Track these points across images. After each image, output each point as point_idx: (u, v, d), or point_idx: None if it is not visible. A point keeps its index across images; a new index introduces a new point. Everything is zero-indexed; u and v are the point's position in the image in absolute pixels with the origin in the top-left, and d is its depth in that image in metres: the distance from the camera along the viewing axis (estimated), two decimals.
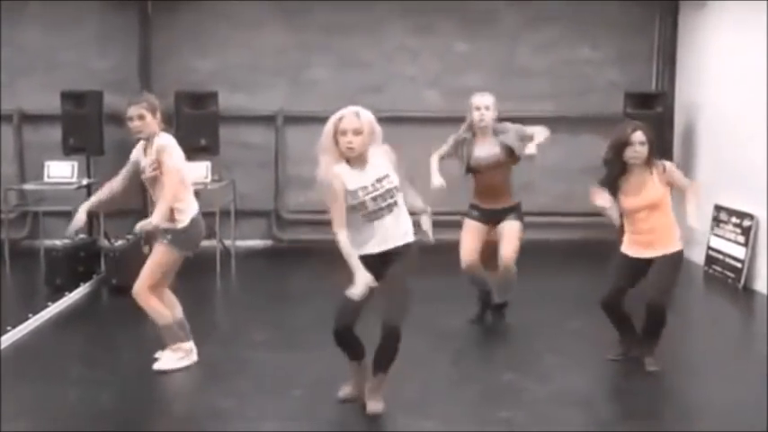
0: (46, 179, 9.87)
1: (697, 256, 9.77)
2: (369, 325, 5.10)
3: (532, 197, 10.99)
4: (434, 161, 6.96)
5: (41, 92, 10.70)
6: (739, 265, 8.78)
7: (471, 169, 6.99)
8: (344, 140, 4.95)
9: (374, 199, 5.00)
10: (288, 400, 5.51)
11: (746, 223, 8.78)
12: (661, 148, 10.15)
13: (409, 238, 5.15)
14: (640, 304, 5.96)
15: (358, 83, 10.82)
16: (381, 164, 5.08)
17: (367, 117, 5.05)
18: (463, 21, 11.09)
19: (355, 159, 5.01)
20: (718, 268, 9.19)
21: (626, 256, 6.07)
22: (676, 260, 6.03)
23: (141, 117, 5.87)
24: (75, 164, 9.92)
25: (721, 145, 9.56)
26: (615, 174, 5.90)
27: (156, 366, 6.03)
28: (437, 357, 6.39)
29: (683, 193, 6.04)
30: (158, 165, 5.90)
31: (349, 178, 5.00)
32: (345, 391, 5.39)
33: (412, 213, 5.25)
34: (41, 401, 5.54)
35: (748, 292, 8.58)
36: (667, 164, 6.03)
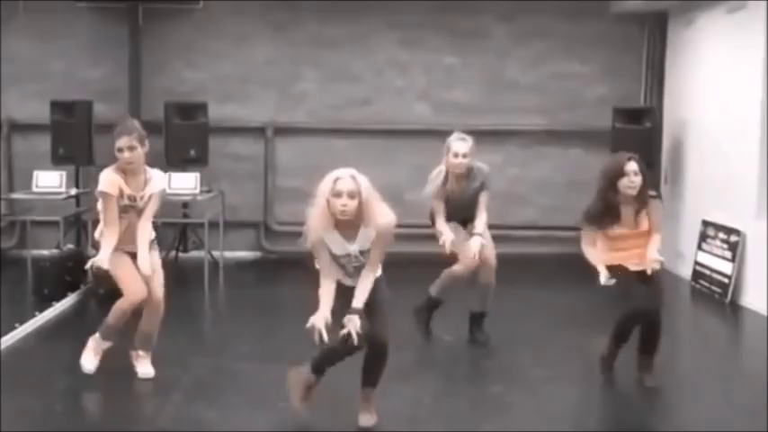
0: (34, 189, 9.82)
1: (684, 272, 9.82)
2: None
3: (521, 211, 11.09)
4: (441, 224, 6.92)
5: (31, 101, 10.70)
6: (726, 280, 8.81)
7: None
8: (339, 202, 4.86)
9: (355, 268, 5.08)
10: (275, 412, 5.49)
11: (733, 239, 8.81)
12: (649, 162, 10.27)
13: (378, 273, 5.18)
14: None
15: (347, 95, 10.85)
16: (368, 237, 5.01)
17: (363, 181, 4.92)
18: (452, 35, 11.14)
19: (346, 224, 4.96)
20: (706, 283, 9.22)
21: (624, 270, 5.95)
22: (661, 276, 6.04)
23: (132, 148, 5.83)
24: (64, 174, 9.89)
25: (709, 160, 9.60)
26: (609, 205, 5.86)
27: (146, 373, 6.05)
28: (425, 370, 6.39)
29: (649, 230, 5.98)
30: (149, 198, 5.97)
31: (334, 244, 5.02)
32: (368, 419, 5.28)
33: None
34: (27, 412, 5.51)
35: (735, 307, 8.61)
36: (656, 202, 6.00)
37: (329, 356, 5.16)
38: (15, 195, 10.25)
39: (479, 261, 6.81)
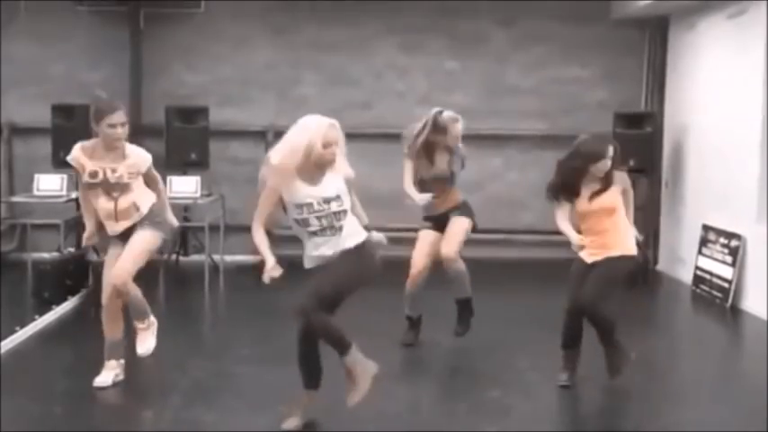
0: (35, 192, 9.83)
1: (685, 276, 9.82)
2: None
3: (520, 215, 11.08)
4: (409, 188, 6.92)
5: (32, 104, 10.71)
6: (727, 285, 8.81)
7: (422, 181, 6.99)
8: (328, 152, 4.87)
9: (318, 218, 4.96)
10: (273, 415, 5.49)
11: (734, 243, 8.81)
12: (650, 166, 10.28)
13: (358, 238, 5.05)
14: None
15: (347, 99, 10.86)
16: (336, 185, 4.97)
17: (341, 131, 4.97)
18: (452, 39, 11.15)
19: (310, 171, 4.92)
20: (706, 288, 9.22)
21: (580, 261, 6.05)
22: (619, 264, 5.96)
23: (125, 124, 5.81)
24: (65, 177, 9.89)
25: (709, 165, 9.60)
26: (574, 182, 5.94)
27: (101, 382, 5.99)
28: (422, 374, 6.39)
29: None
30: (135, 171, 5.85)
31: (296, 191, 4.94)
32: (292, 422, 5.24)
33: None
34: (27, 415, 5.51)
35: (736, 311, 8.60)
36: (622, 177, 6.03)
37: (305, 352, 5.17)
38: (16, 198, 10.25)
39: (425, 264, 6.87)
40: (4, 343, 6.87)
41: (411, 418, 5.51)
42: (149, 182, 6.00)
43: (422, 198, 6.78)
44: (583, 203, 5.97)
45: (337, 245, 5.01)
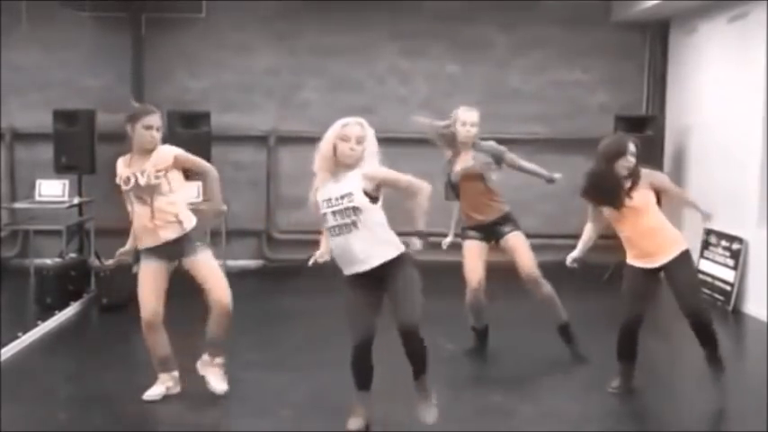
0: (37, 197, 9.85)
1: None
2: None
3: (522, 219, 11.04)
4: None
5: (34, 110, 10.74)
6: (728, 288, 8.81)
7: (453, 186, 6.94)
8: (347, 146, 4.97)
9: (333, 214, 4.99)
10: (276, 420, 5.50)
11: (736, 246, 8.82)
12: (651, 169, 10.27)
13: (393, 253, 5.08)
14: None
15: (349, 104, 10.84)
16: (352, 183, 5.01)
17: (370, 130, 5.06)
18: (454, 44, 11.17)
19: (337, 170, 5.02)
20: (708, 291, 9.21)
21: (637, 269, 5.89)
22: (690, 262, 5.93)
23: (159, 129, 5.74)
24: (67, 182, 9.91)
25: (711, 168, 9.61)
26: (613, 186, 5.77)
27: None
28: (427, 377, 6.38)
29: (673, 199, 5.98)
30: (165, 172, 5.70)
31: (323, 189, 5.05)
32: (357, 422, 5.24)
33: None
34: (30, 421, 5.51)
35: (737, 314, 8.61)
36: (647, 172, 5.94)
37: (352, 361, 5.11)
38: (18, 204, 10.26)
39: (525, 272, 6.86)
40: (6, 349, 6.88)
41: (414, 422, 5.50)
42: (191, 168, 5.88)
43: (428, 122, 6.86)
44: (615, 213, 5.84)
45: (361, 261, 5.02)
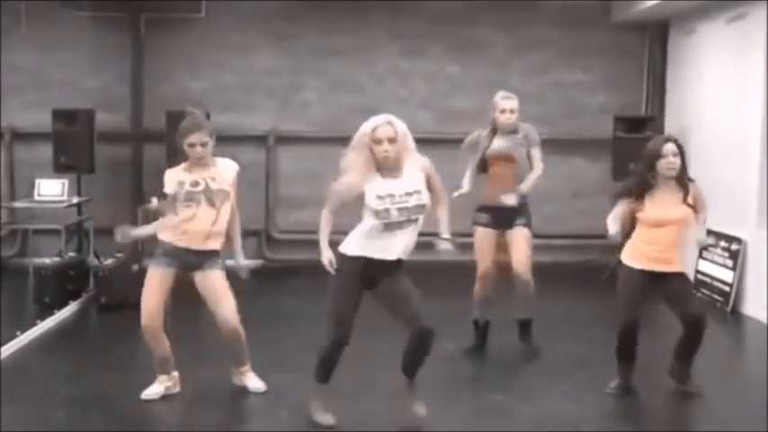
0: (36, 197, 9.85)
1: None
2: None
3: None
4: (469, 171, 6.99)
5: (33, 110, 10.73)
6: (727, 288, 8.82)
7: (484, 163, 6.97)
8: (380, 149, 4.99)
9: (399, 210, 5.03)
10: (274, 421, 5.50)
11: (734, 247, 8.82)
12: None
13: (405, 255, 5.15)
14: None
15: (349, 105, 10.87)
16: (415, 179, 5.09)
17: (400, 125, 5.07)
18: (454, 44, 11.17)
19: (388, 168, 5.05)
20: (707, 292, 9.22)
21: (640, 272, 5.88)
22: (690, 284, 6.10)
23: (204, 144, 5.76)
24: (66, 182, 9.91)
25: (710, 168, 9.59)
26: (643, 185, 5.80)
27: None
28: (424, 378, 6.37)
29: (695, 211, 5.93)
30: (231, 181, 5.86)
31: (378, 185, 5.04)
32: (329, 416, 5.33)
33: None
34: (29, 421, 5.51)
35: (736, 315, 8.61)
36: (695, 185, 5.95)
37: (327, 355, 5.18)
38: (17, 204, 10.25)
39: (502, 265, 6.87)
40: (4, 348, 6.88)
41: (412, 422, 5.51)
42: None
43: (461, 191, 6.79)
44: (653, 210, 5.82)
45: (387, 251, 5.10)
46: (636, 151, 9.98)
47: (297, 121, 11.07)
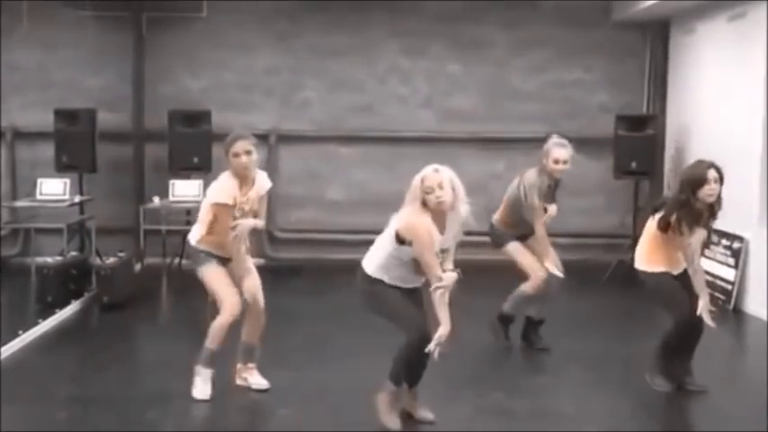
0: (38, 196, 9.85)
1: None
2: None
3: None
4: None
5: (35, 109, 10.75)
6: (729, 286, 8.82)
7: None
8: (433, 197, 5.04)
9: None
10: (275, 420, 5.51)
11: (736, 245, 8.82)
12: (652, 169, 10.30)
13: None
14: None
15: (350, 104, 10.88)
16: (454, 229, 5.19)
17: (447, 171, 5.14)
18: (455, 43, 11.17)
19: (436, 216, 5.10)
20: (709, 290, 9.19)
21: (661, 274, 6.03)
22: None
23: (249, 153, 5.79)
24: (68, 181, 9.92)
25: None
26: (695, 215, 5.77)
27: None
28: (426, 376, 6.38)
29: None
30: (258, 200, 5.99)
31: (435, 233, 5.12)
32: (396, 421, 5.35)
33: None
34: (30, 421, 5.51)
35: (738, 313, 8.61)
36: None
37: (415, 354, 5.20)
38: (19, 203, 10.26)
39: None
40: (6, 347, 6.88)
41: (413, 420, 5.51)
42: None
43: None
44: (697, 235, 5.87)
45: (413, 281, 5.30)
46: (637, 150, 10.10)
47: (298, 120, 11.08)
